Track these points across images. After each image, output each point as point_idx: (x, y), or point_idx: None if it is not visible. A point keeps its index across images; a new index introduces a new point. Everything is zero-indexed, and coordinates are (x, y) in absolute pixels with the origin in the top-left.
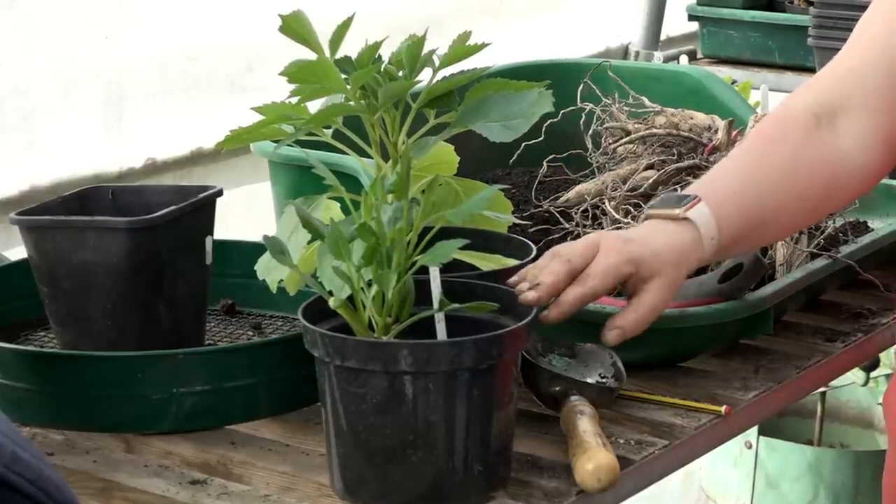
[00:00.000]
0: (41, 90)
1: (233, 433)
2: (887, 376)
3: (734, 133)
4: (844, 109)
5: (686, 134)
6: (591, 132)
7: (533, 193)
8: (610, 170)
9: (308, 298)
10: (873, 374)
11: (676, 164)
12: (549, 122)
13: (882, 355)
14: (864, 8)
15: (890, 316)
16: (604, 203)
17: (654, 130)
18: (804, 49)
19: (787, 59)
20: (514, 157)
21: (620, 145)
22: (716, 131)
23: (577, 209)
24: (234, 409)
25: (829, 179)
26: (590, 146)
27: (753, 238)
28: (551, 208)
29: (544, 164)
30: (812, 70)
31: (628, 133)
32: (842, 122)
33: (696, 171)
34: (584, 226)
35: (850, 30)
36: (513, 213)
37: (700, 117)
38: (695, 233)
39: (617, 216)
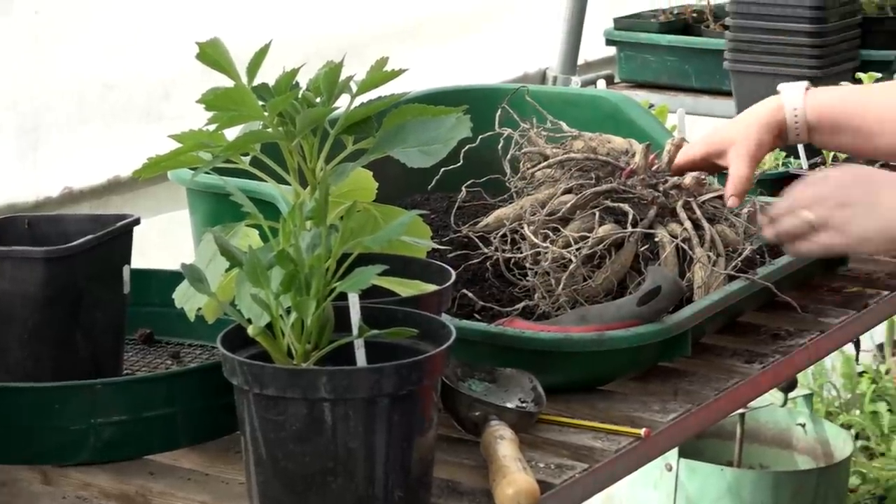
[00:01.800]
0: None
1: (151, 463)
2: (805, 397)
3: (651, 157)
4: None
5: (604, 158)
6: (509, 157)
7: (452, 218)
8: (528, 194)
9: (227, 326)
10: (791, 394)
11: (594, 188)
12: (467, 147)
13: (800, 376)
14: (779, 32)
15: (807, 337)
16: (523, 227)
17: (572, 155)
18: (720, 73)
19: (704, 82)
20: (433, 182)
21: (539, 170)
22: (633, 155)
23: (496, 234)
24: (153, 438)
25: None
26: (508, 171)
27: (850, 133)
28: (470, 233)
29: (463, 189)
30: (728, 93)
31: (546, 158)
32: None
33: (613, 194)
34: (504, 250)
35: (767, 53)
36: (431, 238)
37: (618, 141)
38: (778, 101)
39: (536, 240)
